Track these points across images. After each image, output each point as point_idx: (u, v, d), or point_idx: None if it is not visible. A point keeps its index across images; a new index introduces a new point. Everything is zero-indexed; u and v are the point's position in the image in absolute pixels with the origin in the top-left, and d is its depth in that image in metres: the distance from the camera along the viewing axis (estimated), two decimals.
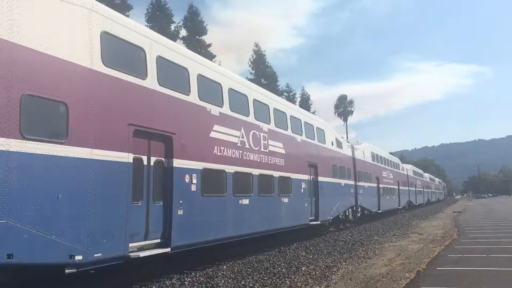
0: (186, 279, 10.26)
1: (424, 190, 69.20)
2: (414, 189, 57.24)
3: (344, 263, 13.37)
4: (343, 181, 25.22)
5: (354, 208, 27.45)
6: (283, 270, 11.97)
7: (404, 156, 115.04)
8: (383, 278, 10.90)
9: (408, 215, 39.47)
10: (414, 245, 17.59)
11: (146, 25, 43.23)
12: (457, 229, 24.11)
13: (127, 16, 40.60)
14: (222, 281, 10.25)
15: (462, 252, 14.77)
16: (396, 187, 43.21)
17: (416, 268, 12.07)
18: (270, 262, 13.06)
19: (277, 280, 10.73)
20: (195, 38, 48.06)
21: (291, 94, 69.60)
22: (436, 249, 15.88)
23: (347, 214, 25.92)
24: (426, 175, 79.54)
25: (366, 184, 31.10)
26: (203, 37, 48.89)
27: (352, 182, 27.39)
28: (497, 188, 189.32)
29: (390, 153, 53.46)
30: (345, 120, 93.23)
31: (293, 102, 66.55)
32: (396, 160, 47.78)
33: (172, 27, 45.52)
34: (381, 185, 35.82)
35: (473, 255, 14.05)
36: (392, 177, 41.55)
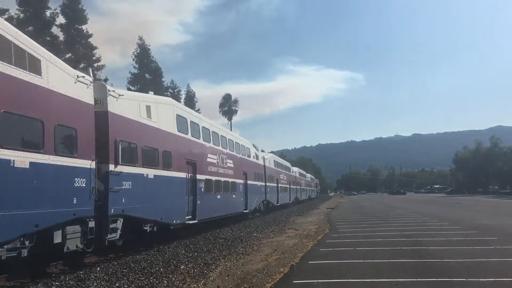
0: (53, 283, 9.56)
1: (307, 188, 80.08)
2: (300, 187, 67.10)
3: (223, 260, 13.52)
4: (259, 183, 35.55)
5: (264, 202, 38.73)
6: (161, 269, 11.74)
7: (284, 155, 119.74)
8: (259, 273, 11.21)
9: (286, 212, 41.31)
10: (290, 241, 18.41)
11: (17, 9, 39.72)
12: (329, 225, 25.74)
13: None
14: (95, 284, 9.74)
15: (332, 246, 15.78)
16: (288, 186, 54.14)
17: (290, 262, 12.60)
18: (148, 261, 12.73)
19: (154, 280, 10.48)
20: (74, 27, 45.20)
21: (176, 91, 68.88)
22: (309, 244, 16.77)
23: (260, 206, 37.20)
24: (308, 175, 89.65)
25: (271, 184, 41.43)
26: (84, 27, 46.18)
27: (263, 183, 37.56)
28: (366, 185, 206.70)
29: (272, 151, 59.42)
30: (230, 119, 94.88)
31: (178, 99, 65.93)
32: (288, 164, 59.68)
33: (48, 13, 42.28)
34: (279, 185, 46.41)
35: (342, 249, 15.08)
36: (286, 178, 52.48)
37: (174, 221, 17.65)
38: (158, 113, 16.62)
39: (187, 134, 19.77)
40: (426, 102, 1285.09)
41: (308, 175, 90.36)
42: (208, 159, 22.52)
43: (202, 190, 21.05)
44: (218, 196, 23.81)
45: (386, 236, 18.54)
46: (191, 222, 19.45)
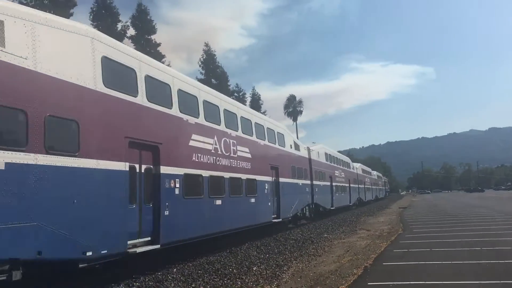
0: (134, 284, 10.03)
1: (373, 187, 72.54)
2: (363, 186, 59.88)
3: (294, 262, 13.52)
4: (300, 181, 27.20)
5: (311, 206, 30.58)
6: (234, 270, 11.94)
7: (351, 154, 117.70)
8: (332, 275, 11.10)
9: (357, 212, 40.53)
10: (362, 241, 18.05)
11: (91, 24, 42.08)
12: (402, 225, 24.96)
13: (71, 14, 39.39)
14: (172, 285, 10.11)
15: (407, 247, 15.29)
16: (347, 185, 45.38)
17: (364, 264, 12.37)
18: (221, 263, 13.01)
19: (228, 281, 10.69)
20: (144, 38, 47.16)
21: (241, 94, 69.77)
22: (382, 245, 16.36)
23: (304, 211, 29.37)
24: (374, 172, 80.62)
25: (321, 183, 33.15)
26: (152, 37, 48.09)
27: (308, 182, 29.52)
28: (440, 183, 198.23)
29: (339, 151, 54.78)
30: (295, 119, 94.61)
31: (243, 102, 66.72)
32: (347, 159, 50.07)
33: (119, 26, 44.44)
34: (334, 184, 37.96)
35: (417, 250, 14.58)
36: (343, 175, 43.58)
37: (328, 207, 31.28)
38: None
39: (329, 162, 27.36)
40: (503, 93, 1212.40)
41: (374, 172, 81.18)
42: (192, 143, 14.41)
43: (176, 193, 12.93)
44: (217, 202, 15.64)
45: (464, 236, 17.67)
46: (143, 249, 11.04)
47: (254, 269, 12.22)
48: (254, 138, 19.89)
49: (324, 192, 33.92)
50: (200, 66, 62.43)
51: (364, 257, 13.74)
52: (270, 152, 22.15)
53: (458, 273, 10.40)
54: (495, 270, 10.48)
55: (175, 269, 11.91)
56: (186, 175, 13.44)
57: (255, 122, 20.51)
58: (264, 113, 74.62)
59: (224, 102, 17.61)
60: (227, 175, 16.48)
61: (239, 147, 17.87)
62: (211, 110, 16.03)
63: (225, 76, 63.72)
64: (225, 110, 17.19)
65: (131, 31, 46.26)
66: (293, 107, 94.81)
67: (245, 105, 69.29)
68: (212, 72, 62.05)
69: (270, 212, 21.26)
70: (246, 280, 10.79)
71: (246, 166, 18.48)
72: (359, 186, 55.21)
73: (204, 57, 62.48)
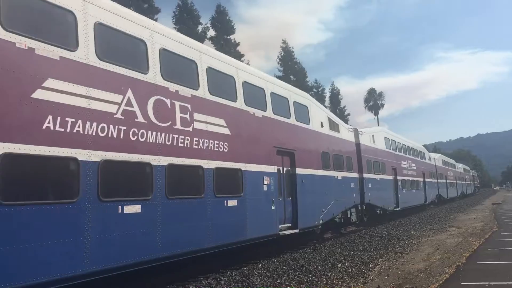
0: (222, 278, 10.33)
1: (458, 182, 61.89)
2: (445, 181, 50.67)
3: (380, 259, 13.19)
4: (339, 174, 19.71)
5: (360, 207, 22.48)
6: (319, 267, 11.89)
7: (438, 148, 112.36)
8: (422, 273, 10.69)
9: (446, 208, 38.51)
10: (453, 239, 17.19)
11: (174, 27, 43.83)
12: (497, 222, 23.46)
13: (156, 19, 41.21)
14: (258, 280, 10.27)
15: (503, 246, 14.34)
16: (421, 179, 37.69)
17: (456, 262, 11.80)
18: (305, 259, 12.99)
19: (313, 277, 10.67)
20: (223, 38, 48.24)
21: (320, 90, 69.11)
22: (475, 243, 15.48)
23: (349, 215, 20.94)
24: (460, 165, 68.55)
25: (378, 176, 25.65)
26: (231, 36, 49.07)
27: (355, 175, 21.87)
28: None
29: (424, 145, 49.53)
30: (376, 113, 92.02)
31: (323, 97, 66.12)
32: (421, 148, 41.98)
33: (200, 28, 45.82)
34: (399, 177, 30.03)
35: None
36: (415, 167, 35.71)
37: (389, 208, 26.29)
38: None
39: (392, 150, 29.06)
40: None
41: (460, 165, 71.59)
42: (402, 165, 31.05)
43: (400, 186, 29.15)
44: (413, 190, 32.72)
45: None
46: (287, 232, 14.34)
47: (339, 266, 12.09)
48: (415, 157, 35.72)
49: (382, 188, 26.22)
50: (278, 63, 62.72)
51: (456, 255, 13.08)
52: (421, 164, 35.02)
53: None
54: None
55: (260, 265, 12.09)
56: (402, 179, 25.01)
57: (415, 149, 36.44)
58: (344, 108, 73.57)
59: (409, 142, 34.56)
60: (410, 178, 33.36)
61: (412, 164, 34.95)
62: (406, 149, 32.11)
63: (303, 72, 63.47)
64: (408, 146, 34.74)
65: (211, 32, 47.57)
66: (373, 101, 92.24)
67: (324, 100, 68.65)
68: (291, 68, 62.08)
69: (423, 198, 35.60)
70: (331, 277, 10.71)
71: (414, 173, 33.23)
72: (439, 180, 46.39)
73: (282, 54, 62.69)
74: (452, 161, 62.36)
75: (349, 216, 20.64)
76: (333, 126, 19.74)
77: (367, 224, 23.46)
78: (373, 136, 25.89)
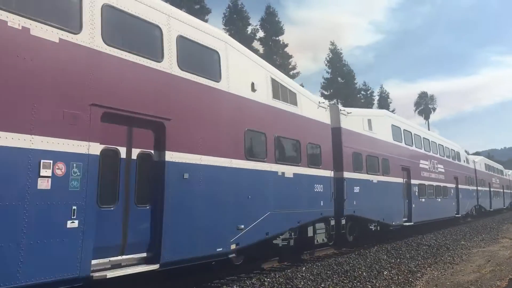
0: (265, 279, 10.37)
1: (505, 191, 58.80)
2: (488, 189, 51.25)
3: (428, 269, 12.82)
4: (289, 169, 21.04)
5: (476, 206, 37.17)
6: (364, 273, 11.71)
7: (491, 155, 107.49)
8: (472, 285, 10.33)
9: (498, 218, 37.03)
10: (505, 251, 16.47)
11: (223, 28, 44.37)
12: None
13: (206, 20, 41.93)
14: (302, 283, 10.24)
15: None
16: (502, 190, 49.37)
17: (508, 276, 11.32)
18: (350, 265, 12.83)
19: (358, 284, 10.52)
20: (272, 39, 48.46)
21: (368, 93, 68.06)
22: None
23: (472, 211, 35.54)
24: (510, 172, 62.22)
25: (483, 189, 39.55)
26: (280, 38, 49.20)
27: (327, 173, 21.34)
28: None
29: (477, 152, 51.83)
30: (427, 118, 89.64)
31: (371, 100, 65.00)
32: (500, 167, 53.55)
33: (249, 29, 46.22)
34: (492, 189, 43.37)
35: None
36: (498, 182, 47.91)
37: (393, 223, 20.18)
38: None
39: (403, 144, 22.52)
40: None
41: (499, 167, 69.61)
42: (421, 165, 24.65)
43: (416, 193, 22.94)
44: (438, 199, 27.02)
45: None
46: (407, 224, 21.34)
47: (384, 273, 11.86)
48: (444, 157, 29.41)
49: (484, 196, 40.13)
50: (326, 65, 62.32)
51: (509, 268, 12.55)
52: (453, 166, 31.00)
53: None
54: None
55: (304, 268, 12.04)
56: (419, 184, 23.95)
57: (444, 146, 30.00)
58: (393, 111, 72.09)
59: (432, 136, 29.43)
60: (435, 183, 26.71)
61: (438, 165, 27.85)
62: (426, 143, 26.86)
63: (351, 74, 62.75)
64: (431, 141, 27.97)
65: (260, 34, 47.88)
66: (424, 105, 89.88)
67: (373, 104, 67.45)
68: (338, 70, 61.54)
69: (454, 209, 29.95)
70: (377, 284, 10.52)
71: (441, 177, 27.65)
72: (479, 188, 43.86)
73: (330, 56, 62.28)
74: (500, 167, 54.05)
75: (310, 235, 14.27)
76: (283, 94, 13.49)
77: (476, 217, 34.16)
78: (369, 120, 19.38)
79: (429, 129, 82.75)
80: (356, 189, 17.13)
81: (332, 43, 63.21)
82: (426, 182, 25.25)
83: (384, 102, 71.50)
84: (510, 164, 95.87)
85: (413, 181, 22.96)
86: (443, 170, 29.06)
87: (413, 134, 25.14)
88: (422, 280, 11.21)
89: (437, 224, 26.23)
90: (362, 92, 66.25)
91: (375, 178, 18.81)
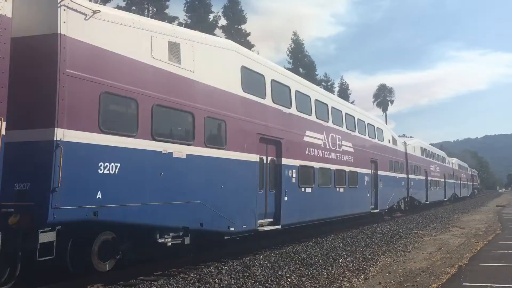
0: (223, 267, 10.35)
1: (468, 183, 69.49)
2: (459, 182, 58.39)
3: (382, 256, 13.17)
4: (397, 175, 27.85)
5: (406, 199, 30.55)
6: (320, 261, 11.89)
7: (444, 147, 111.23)
8: (423, 272, 10.67)
9: (449, 208, 38.48)
10: (456, 240, 17.14)
11: (185, 15, 43.74)
12: (501, 224, 23.40)
13: (167, 6, 41.13)
14: (259, 271, 10.28)
15: (506, 248, 14.28)
16: (442, 179, 44.69)
17: (458, 263, 11.76)
18: (307, 252, 13.00)
19: (314, 271, 10.66)
20: (234, 27, 48.16)
21: (329, 84, 68.92)
22: (478, 244, 15.44)
23: (400, 204, 29.35)
24: (454, 160, 60.65)
25: (417, 177, 33.21)
26: (243, 26, 48.96)
27: (404, 175, 29.66)
28: None
29: (431, 144, 51.59)
30: (385, 110, 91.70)
31: (331, 91, 65.78)
32: (442, 154, 49.85)
33: (211, 16, 45.73)
34: (429, 178, 37.51)
35: None
36: (439, 170, 42.77)
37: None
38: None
39: (425, 156, 24.97)
40: None
41: (463, 164, 68.60)
42: (306, 138, 16.41)
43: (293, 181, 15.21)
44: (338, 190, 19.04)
45: None
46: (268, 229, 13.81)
47: (340, 261, 12.09)
48: (357, 133, 21.68)
49: (419, 186, 34.13)
50: (288, 55, 62.60)
51: (458, 256, 13.05)
52: (375, 148, 24.23)
53: None
54: None
55: (261, 256, 12.12)
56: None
57: (358, 118, 22.13)
58: (352, 103, 73.37)
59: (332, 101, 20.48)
60: (334, 166, 18.62)
61: (344, 142, 19.80)
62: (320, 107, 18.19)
63: (313, 65, 63.33)
64: (332, 108, 19.29)
65: (222, 21, 47.46)
66: (383, 97, 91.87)
67: (334, 94, 68.43)
68: (300, 61, 61.94)
69: (369, 203, 22.81)
70: (332, 271, 10.70)
71: (349, 159, 20.30)
72: (455, 181, 53.46)
73: (292, 46, 62.59)
74: (442, 153, 51.21)
75: (400, 205, 27.86)
76: (394, 141, 28.05)
77: (407, 212, 30.48)
78: (414, 146, 33.31)
79: (386, 121, 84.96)
80: (412, 183, 30.44)
81: (295, 34, 63.55)
82: (433, 178, 36.15)
83: (344, 94, 72.62)
84: (462, 156, 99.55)
85: (429, 178, 35.72)
86: (439, 170, 39.63)
87: (428, 151, 35.61)
88: (376, 267, 11.49)
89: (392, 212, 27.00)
90: (323, 83, 66.95)
91: (417, 177, 33.04)
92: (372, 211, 23.12)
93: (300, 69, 61.83)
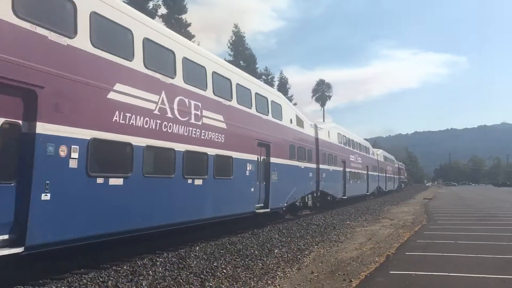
0: (158, 259, 10.22)
1: (395, 176, 67.85)
2: (385, 175, 55.08)
3: (316, 247, 13.54)
4: (302, 164, 22.36)
5: (316, 194, 24.98)
6: (256, 252, 12.04)
7: (377, 143, 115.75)
8: (354, 261, 11.08)
9: (380, 200, 40.14)
10: (385, 230, 17.92)
11: (123, 2, 42.25)
12: (427, 216, 24.65)
13: None
14: (195, 262, 10.25)
15: (431, 238, 15.11)
16: (365, 172, 40.45)
17: (386, 252, 12.31)
18: (243, 244, 13.12)
19: (249, 261, 10.79)
20: (175, 17, 47.24)
21: (269, 77, 69.49)
22: (406, 235, 16.21)
23: (306, 200, 23.52)
24: (379, 151, 57.65)
25: (331, 168, 28.13)
26: (183, 16, 48.11)
27: (314, 165, 24.39)
28: (467, 176, 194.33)
29: (365, 139, 51.56)
30: (323, 105, 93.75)
31: (271, 85, 66.41)
32: (366, 144, 45.04)
33: (151, 4, 44.56)
34: (347, 169, 32.74)
35: (441, 241, 14.37)
36: (361, 161, 38.35)
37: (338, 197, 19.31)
38: None
39: (341, 144, 22.87)
40: None
41: (389, 156, 65.43)
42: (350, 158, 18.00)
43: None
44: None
45: (491, 230, 17.35)
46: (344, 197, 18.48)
47: (275, 251, 12.30)
48: (233, 102, 15.34)
49: (334, 179, 28.86)
50: (229, 47, 62.34)
51: (387, 246, 13.65)
52: (258, 124, 17.39)
53: (482, 266, 10.23)
54: None
55: (197, 247, 12.08)
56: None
57: (236, 83, 15.87)
58: (291, 97, 74.46)
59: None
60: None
61: (358, 158, 20.97)
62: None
63: (253, 58, 63.43)
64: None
65: (162, 10, 46.39)
66: (321, 92, 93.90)
67: (273, 88, 69.04)
68: (241, 54, 61.87)
69: (253, 200, 16.76)
70: (267, 262, 10.87)
71: (360, 166, 18.91)
72: (380, 174, 50.57)
73: (233, 39, 62.34)
74: (365, 143, 46.03)
75: (306, 201, 23.36)
76: (299, 122, 22.78)
77: (320, 209, 26.06)
78: (328, 131, 28.66)
79: (323, 116, 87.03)
80: (323, 175, 26.04)
81: (236, 26, 63.28)
82: (353, 170, 35.03)
83: (283, 87, 73.44)
84: (392, 151, 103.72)
85: (347, 169, 33.19)
86: (361, 161, 38.40)
87: (347, 138, 34.58)
88: (309, 257, 11.80)
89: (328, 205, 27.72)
90: (263, 77, 67.37)
91: (332, 167, 28.72)
92: (258, 210, 17.11)
93: (241, 62, 61.87)
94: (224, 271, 9.70)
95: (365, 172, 40.21)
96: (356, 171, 35.84)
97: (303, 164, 22.50)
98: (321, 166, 25.76)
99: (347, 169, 32.48)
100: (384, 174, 54.45)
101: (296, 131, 22.05)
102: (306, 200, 23.70)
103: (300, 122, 22.87)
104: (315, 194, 25.01)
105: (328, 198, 27.86)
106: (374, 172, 45.90)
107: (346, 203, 32.07)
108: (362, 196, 39.10)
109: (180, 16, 47.62)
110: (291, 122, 21.37)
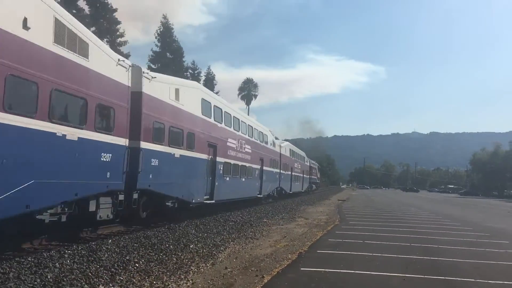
0: (66, 251, 9.77)
1: (305, 176, 66.67)
2: (290, 173, 52.90)
3: (232, 243, 13.65)
4: (274, 169, 36.30)
5: (278, 189, 39.29)
6: (171, 246, 11.90)
7: (298, 144, 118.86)
8: (267, 258, 11.31)
9: (297, 200, 41.34)
10: (299, 229, 18.47)
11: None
12: (340, 216, 25.71)
13: None
14: (106, 255, 9.92)
15: (341, 237, 15.79)
16: (302, 175, 54.59)
17: (299, 250, 12.68)
18: (158, 238, 12.90)
19: (164, 256, 10.65)
20: (99, 1, 45.34)
21: (196, 72, 68.96)
22: (318, 233, 16.81)
23: (273, 193, 37.73)
24: (278, 142, 50.59)
25: (285, 172, 41.52)
26: (109, 1, 46.29)
27: (278, 170, 37.93)
28: (379, 180, 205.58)
29: (286, 140, 55.65)
30: (248, 103, 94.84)
31: (198, 80, 65.90)
32: (303, 154, 59.27)
33: None
34: (293, 173, 46.47)
35: (351, 241, 15.06)
36: (300, 167, 52.21)
37: (193, 200, 18.50)
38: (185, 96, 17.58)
39: (210, 118, 20.53)
40: (445, 100, 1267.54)
41: (298, 152, 57.12)
42: (228, 143, 23.88)
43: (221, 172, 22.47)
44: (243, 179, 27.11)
45: (397, 231, 18.48)
46: (208, 202, 20.78)
47: (191, 246, 12.24)
48: (253, 139, 29.40)
49: (286, 180, 42.81)
50: (156, 38, 61.02)
51: (300, 243, 14.07)
52: (260, 148, 31.23)
53: (386, 265, 10.87)
54: (421, 265, 11.04)
55: (110, 240, 11.69)
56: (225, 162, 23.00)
57: (248, 124, 28.50)
58: (217, 93, 74.44)
59: (242, 115, 27.99)
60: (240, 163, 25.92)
61: (246, 146, 27.13)
62: (236, 122, 25.27)
63: (180, 51, 62.59)
64: (241, 121, 26.61)
65: None
66: (247, 91, 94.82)
67: (199, 83, 68.59)
68: (168, 45, 60.82)
69: (257, 189, 30.98)
70: (182, 257, 10.79)
71: (247, 157, 27.49)
72: (311, 176, 65.17)
73: (161, 30, 61.11)
74: (315, 163, 55.08)
75: (92, 209, 12.11)
76: (273, 144, 38.57)
77: (277, 199, 39.01)
78: (285, 148, 44.39)
79: (248, 114, 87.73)
80: (154, 162, 15.04)
81: (165, 17, 62.11)
82: (296, 174, 47.81)
83: (210, 84, 73.26)
84: (314, 153, 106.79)
85: (293, 173, 46.81)
86: (300, 167, 53.49)
87: (294, 152, 44.69)
88: (224, 253, 11.88)
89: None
90: (190, 71, 66.74)
91: (285, 172, 41.86)
92: (258, 195, 31.87)
93: (168, 54, 60.82)
94: (137, 265, 9.50)
95: (258, 166, 30.99)
96: (297, 174, 41.80)
97: (274, 170, 37.30)
98: (281, 171, 40.52)
99: (293, 173, 45.45)
100: (290, 172, 45.67)
101: (272, 150, 36.87)
102: (273, 193, 38.82)
103: (273, 144, 37.55)
104: (278, 189, 39.96)
105: (283, 192, 42.56)
106: (273, 168, 36.30)
107: (292, 196, 46.32)
108: (250, 199, 29.85)
109: (105, 1, 45.75)
110: (270, 144, 35.87)
